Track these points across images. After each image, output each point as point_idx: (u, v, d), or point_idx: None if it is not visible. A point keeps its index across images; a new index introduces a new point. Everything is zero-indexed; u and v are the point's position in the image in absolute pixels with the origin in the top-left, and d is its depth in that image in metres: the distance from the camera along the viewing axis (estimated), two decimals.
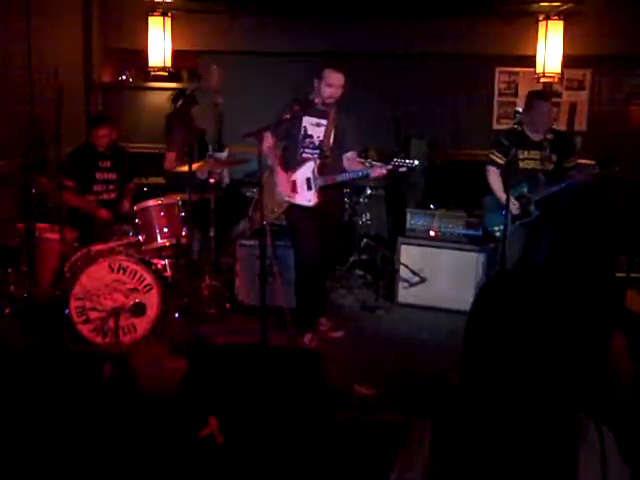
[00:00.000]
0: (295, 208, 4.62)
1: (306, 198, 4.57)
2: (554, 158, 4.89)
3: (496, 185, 4.97)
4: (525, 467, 1.32)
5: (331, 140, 4.58)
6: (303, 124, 4.58)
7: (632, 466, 1.37)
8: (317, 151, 4.58)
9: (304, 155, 4.60)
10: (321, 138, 4.58)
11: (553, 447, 1.33)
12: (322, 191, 4.55)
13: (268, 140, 4.49)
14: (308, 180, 4.55)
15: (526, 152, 4.86)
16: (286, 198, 4.62)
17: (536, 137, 4.88)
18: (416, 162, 4.32)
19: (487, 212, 5.17)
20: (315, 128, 4.58)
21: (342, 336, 4.87)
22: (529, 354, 1.34)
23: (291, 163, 4.65)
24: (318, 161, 4.55)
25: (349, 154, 4.65)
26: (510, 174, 4.60)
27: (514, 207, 4.84)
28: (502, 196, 4.74)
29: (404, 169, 4.33)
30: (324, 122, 4.58)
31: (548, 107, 4.96)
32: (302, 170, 4.58)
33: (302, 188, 4.58)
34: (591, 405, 1.55)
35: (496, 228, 4.98)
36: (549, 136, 4.91)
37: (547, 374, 1.34)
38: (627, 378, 1.90)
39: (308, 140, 4.59)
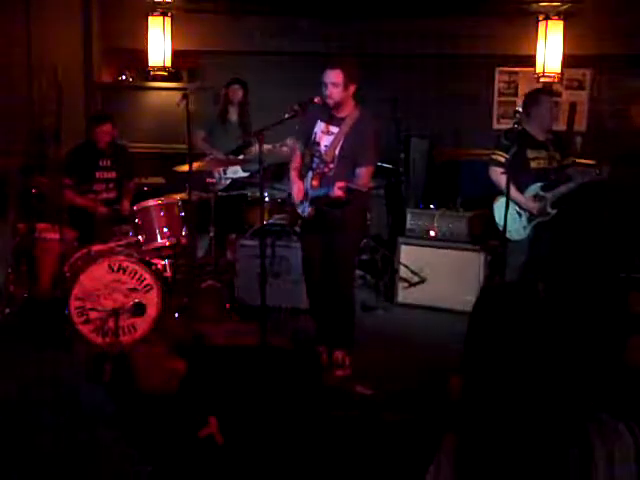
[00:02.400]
0: (301, 217, 4.38)
1: (302, 209, 4.27)
2: (558, 157, 4.86)
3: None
4: (540, 472, 1.33)
5: (337, 151, 4.10)
6: (315, 129, 4.20)
7: None
8: (319, 160, 4.17)
9: (313, 164, 4.23)
10: (327, 147, 4.13)
11: (562, 449, 1.33)
12: (317, 204, 4.13)
13: (295, 148, 4.37)
14: (306, 191, 4.25)
15: (536, 152, 4.78)
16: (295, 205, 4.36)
17: (540, 136, 4.82)
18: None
19: (500, 214, 4.82)
20: (324, 135, 4.16)
21: (347, 374, 4.25)
22: (530, 360, 1.34)
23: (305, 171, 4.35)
24: (316, 171, 4.15)
25: (359, 170, 4.06)
26: (522, 173, 4.57)
27: (534, 208, 4.74)
28: (517, 196, 4.72)
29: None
30: (335, 130, 4.13)
31: (552, 102, 5.01)
32: (306, 180, 4.28)
33: (304, 198, 4.27)
34: (610, 404, 1.56)
35: (512, 229, 4.76)
36: (549, 135, 4.89)
37: (551, 378, 1.34)
38: None
39: (315, 148, 4.18)
